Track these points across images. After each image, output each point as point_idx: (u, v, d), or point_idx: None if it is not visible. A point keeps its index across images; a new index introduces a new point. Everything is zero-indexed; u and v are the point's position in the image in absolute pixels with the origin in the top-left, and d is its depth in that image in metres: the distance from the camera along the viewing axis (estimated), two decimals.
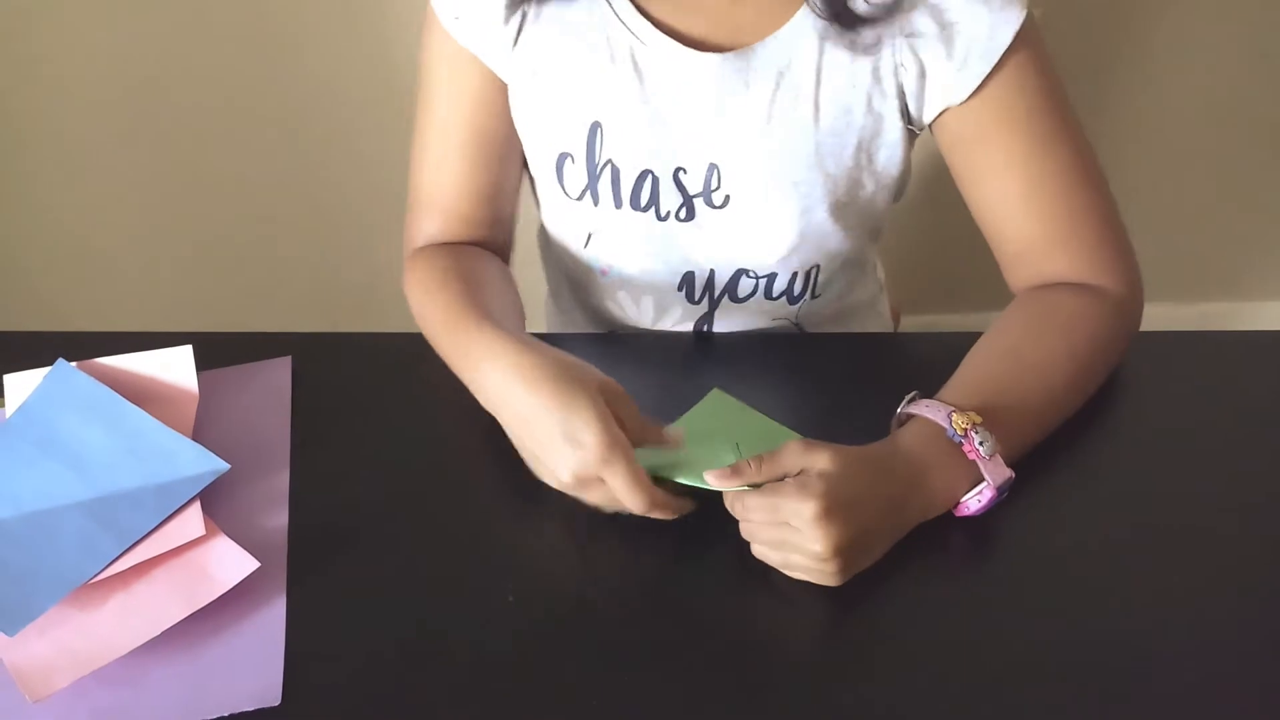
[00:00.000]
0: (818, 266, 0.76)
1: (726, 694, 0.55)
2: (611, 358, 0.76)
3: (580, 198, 0.74)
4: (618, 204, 0.74)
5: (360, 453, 0.68)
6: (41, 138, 1.25)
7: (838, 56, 0.68)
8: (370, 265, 1.36)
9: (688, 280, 0.77)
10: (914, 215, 1.06)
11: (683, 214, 0.73)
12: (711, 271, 0.76)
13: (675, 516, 0.59)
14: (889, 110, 0.70)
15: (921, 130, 0.72)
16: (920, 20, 0.66)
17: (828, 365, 0.75)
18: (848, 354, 0.76)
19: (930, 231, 1.17)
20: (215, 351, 0.73)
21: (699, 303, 0.78)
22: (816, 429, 0.61)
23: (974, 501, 0.60)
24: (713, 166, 0.72)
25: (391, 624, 0.58)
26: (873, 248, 0.85)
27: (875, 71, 0.68)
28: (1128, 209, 0.71)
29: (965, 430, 0.60)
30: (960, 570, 0.61)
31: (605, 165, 0.72)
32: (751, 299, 0.78)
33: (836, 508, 0.55)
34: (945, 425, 0.60)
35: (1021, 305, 0.70)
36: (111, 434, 0.66)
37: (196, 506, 0.63)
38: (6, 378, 0.69)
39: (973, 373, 0.65)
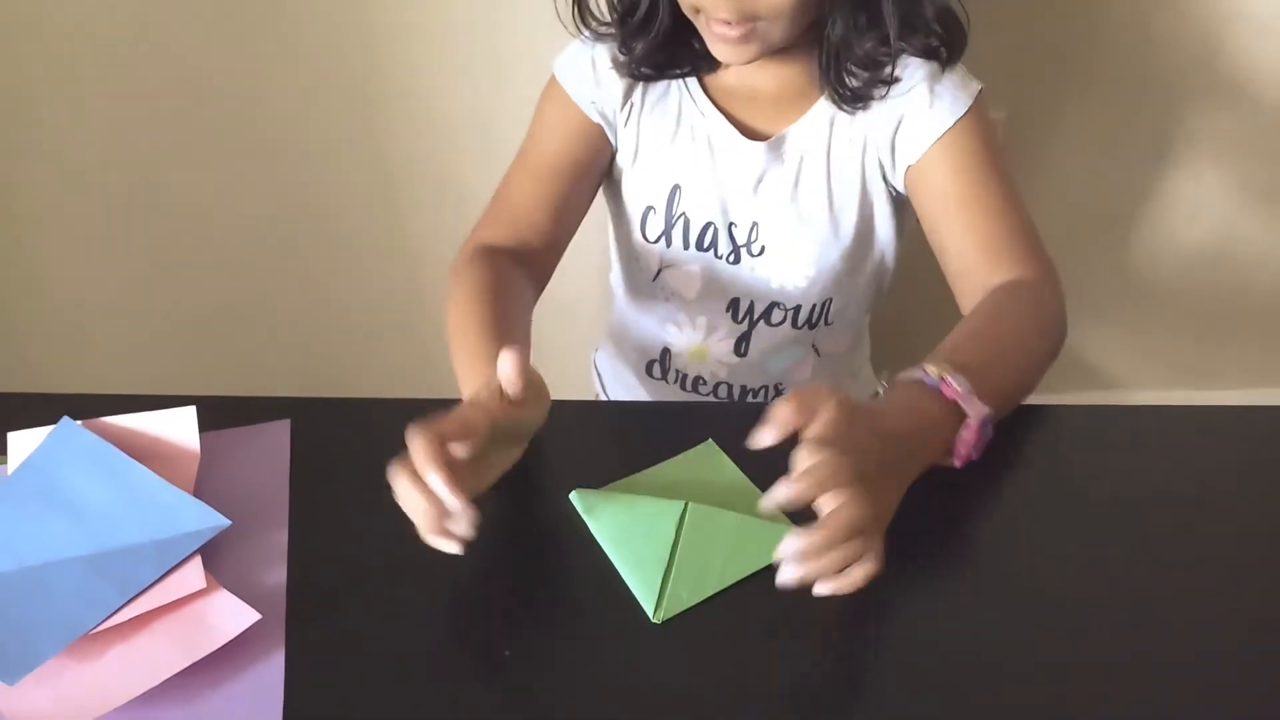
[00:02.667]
0: (831, 299, 0.95)
1: None
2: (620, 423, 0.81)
3: (656, 241, 0.95)
4: (686, 246, 0.94)
5: (358, 512, 0.70)
6: (41, 210, 1.27)
7: (840, 137, 0.88)
8: (363, 336, 1.39)
9: (733, 305, 0.97)
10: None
11: (732, 258, 0.94)
12: (751, 301, 0.96)
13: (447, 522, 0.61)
14: (875, 177, 0.89)
15: (900, 192, 0.89)
16: (893, 101, 0.85)
17: None
18: None
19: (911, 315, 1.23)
20: (215, 415, 0.74)
21: (740, 323, 0.97)
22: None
23: (967, 443, 0.65)
24: (754, 224, 0.92)
25: (389, 677, 0.59)
26: (873, 292, 0.99)
27: (864, 148, 0.88)
28: None
29: (940, 375, 0.66)
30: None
31: (680, 216, 0.93)
32: (781, 325, 0.97)
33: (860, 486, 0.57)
34: (923, 376, 0.66)
35: (974, 307, 0.79)
36: (114, 489, 0.67)
37: (197, 560, 0.64)
38: (10, 435, 0.70)
39: (942, 348, 0.71)
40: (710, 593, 0.63)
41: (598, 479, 0.70)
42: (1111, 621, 0.62)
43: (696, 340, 1.00)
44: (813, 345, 1.00)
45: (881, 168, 0.88)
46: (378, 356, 1.41)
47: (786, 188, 0.90)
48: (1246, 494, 0.72)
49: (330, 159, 1.24)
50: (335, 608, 0.63)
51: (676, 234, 0.93)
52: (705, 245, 0.93)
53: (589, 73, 0.90)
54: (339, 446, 0.75)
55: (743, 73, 0.89)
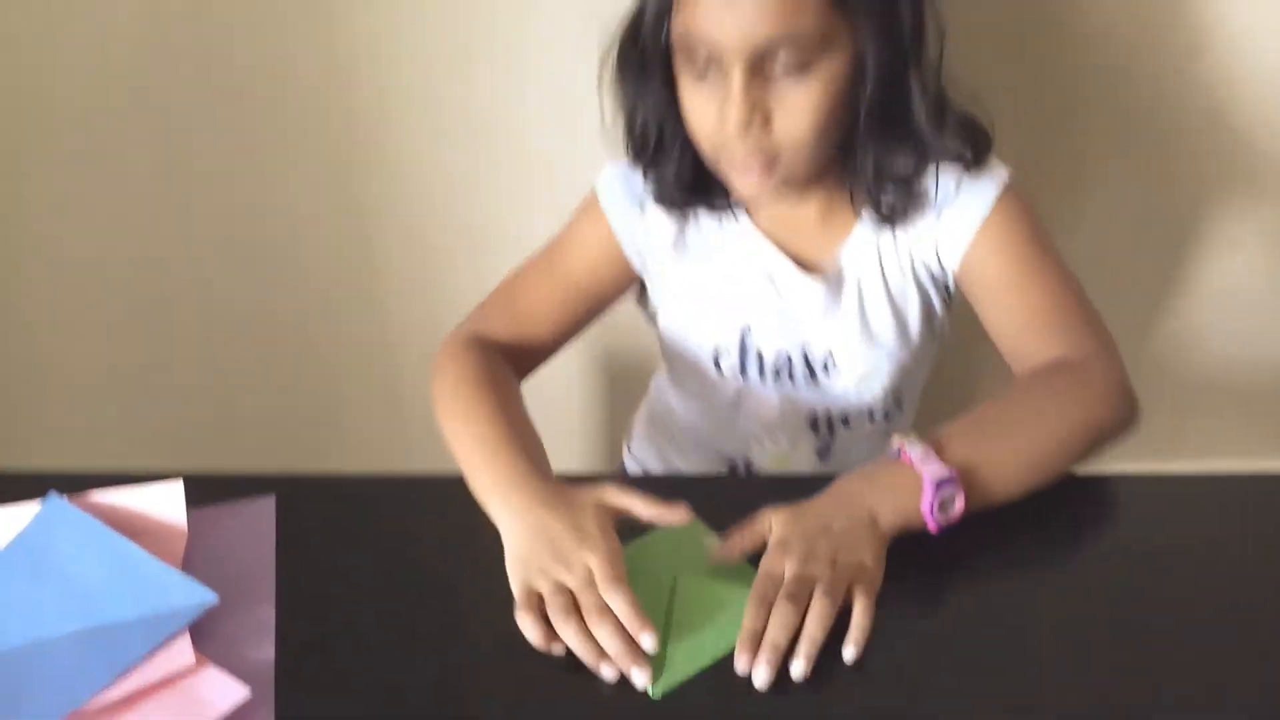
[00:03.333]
0: (903, 392, 0.97)
1: None
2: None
3: (732, 376, 0.94)
4: (762, 378, 0.94)
5: (344, 587, 0.71)
6: (29, 288, 1.28)
7: (889, 256, 0.88)
8: (343, 412, 1.40)
9: (812, 419, 0.96)
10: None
11: (810, 380, 0.93)
12: (830, 414, 0.96)
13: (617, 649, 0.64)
14: (929, 284, 0.90)
15: (951, 291, 0.91)
16: (928, 214, 0.86)
17: None
18: None
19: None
20: (201, 490, 0.75)
21: (821, 433, 0.98)
22: None
23: (925, 502, 0.69)
24: (829, 350, 0.92)
25: None
26: (932, 365, 1.01)
27: (912, 260, 0.88)
28: None
29: (900, 445, 0.72)
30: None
31: (754, 352, 0.92)
32: (861, 427, 0.97)
33: (798, 536, 0.68)
34: (888, 448, 0.73)
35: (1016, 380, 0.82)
36: (103, 566, 0.68)
37: (186, 637, 0.65)
38: None
39: (947, 424, 0.76)
40: (705, 664, 0.64)
41: None
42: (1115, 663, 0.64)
43: (779, 451, 1.00)
44: (887, 432, 0.98)
45: (932, 275, 0.89)
46: (356, 432, 1.42)
47: (853, 317, 0.90)
48: (1246, 552, 0.74)
49: (313, 240, 1.26)
50: (323, 683, 0.64)
51: (752, 368, 0.93)
52: (782, 375, 0.93)
53: (636, 214, 0.89)
54: (323, 522, 0.76)
55: (782, 205, 0.88)
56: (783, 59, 0.73)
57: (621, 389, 1.35)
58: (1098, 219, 1.25)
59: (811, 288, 0.89)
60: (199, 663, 0.63)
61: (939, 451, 0.72)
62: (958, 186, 0.84)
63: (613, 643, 0.63)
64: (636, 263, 0.91)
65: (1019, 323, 0.83)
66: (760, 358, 0.92)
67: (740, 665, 0.63)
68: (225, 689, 0.62)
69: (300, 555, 0.73)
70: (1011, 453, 0.74)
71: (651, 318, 0.99)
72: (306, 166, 1.21)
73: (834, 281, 0.89)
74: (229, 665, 0.64)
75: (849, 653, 0.64)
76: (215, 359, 1.35)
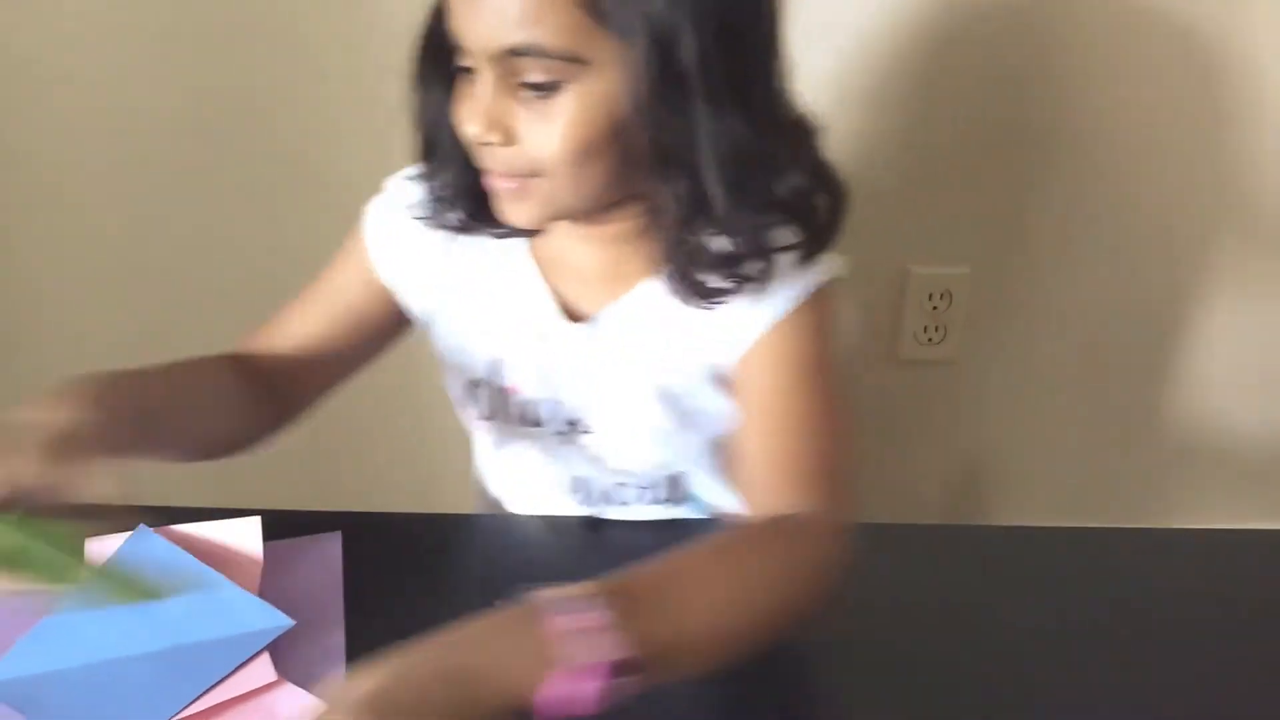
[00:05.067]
0: (684, 473, 0.88)
1: None
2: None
3: (490, 418, 0.89)
4: (512, 422, 0.88)
5: (407, 615, 0.75)
6: (39, 329, 1.35)
7: (668, 319, 0.79)
8: (403, 451, 1.45)
9: (579, 486, 0.90)
10: None
11: (566, 431, 0.87)
12: (597, 481, 0.89)
13: None
14: (704, 364, 0.80)
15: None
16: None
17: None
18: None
19: None
20: (273, 526, 0.81)
21: (586, 503, 0.91)
22: None
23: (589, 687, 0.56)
24: (581, 405, 0.85)
25: None
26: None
27: (690, 330, 0.79)
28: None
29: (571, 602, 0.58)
30: None
31: (506, 391, 0.87)
32: (633, 506, 0.89)
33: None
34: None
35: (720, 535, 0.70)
36: (186, 591, 0.73)
37: (265, 656, 0.69)
38: (90, 542, 0.76)
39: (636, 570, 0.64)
40: None
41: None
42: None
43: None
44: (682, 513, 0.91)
45: (712, 354, 0.80)
46: (391, 472, 1.46)
47: (610, 372, 0.82)
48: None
49: None
50: None
51: (501, 409, 0.88)
52: (533, 421, 0.87)
53: (398, 235, 0.84)
54: (385, 556, 0.81)
55: (567, 243, 0.80)
56: (531, 73, 0.65)
57: None
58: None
59: (568, 333, 0.82)
60: (278, 680, 0.68)
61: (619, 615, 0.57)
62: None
63: None
64: (393, 287, 0.85)
65: (764, 458, 0.75)
66: (511, 399, 0.86)
67: None
68: (302, 704, 0.66)
69: (366, 586, 0.78)
70: (694, 627, 0.62)
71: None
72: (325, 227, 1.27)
73: (591, 331, 0.81)
74: (304, 684, 0.68)
75: None
76: None
